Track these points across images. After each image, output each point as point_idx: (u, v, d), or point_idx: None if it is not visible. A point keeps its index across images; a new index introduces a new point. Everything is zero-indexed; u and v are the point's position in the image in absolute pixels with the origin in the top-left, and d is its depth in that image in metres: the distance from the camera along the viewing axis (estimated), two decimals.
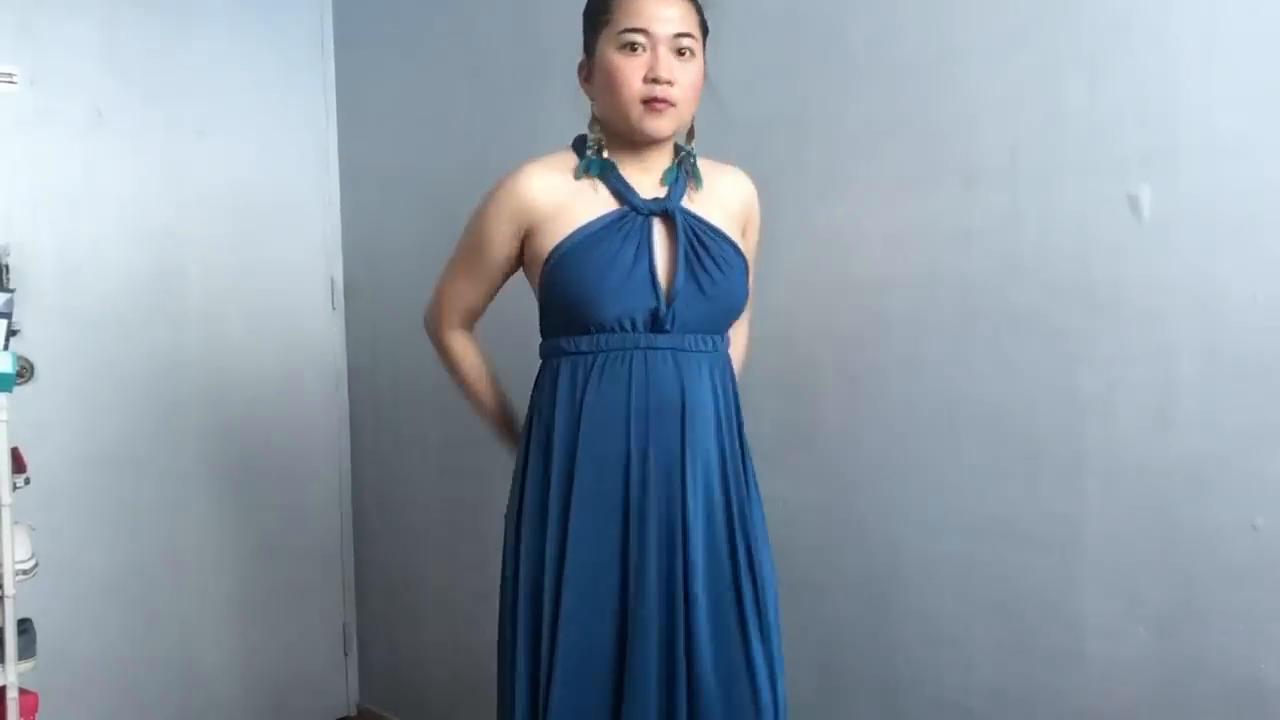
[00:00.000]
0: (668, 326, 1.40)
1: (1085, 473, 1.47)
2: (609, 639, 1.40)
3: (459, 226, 2.57)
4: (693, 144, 1.48)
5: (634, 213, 1.42)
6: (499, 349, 1.66)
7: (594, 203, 1.43)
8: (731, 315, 1.49)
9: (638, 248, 1.40)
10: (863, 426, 1.72)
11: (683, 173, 1.47)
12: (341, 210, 3.01)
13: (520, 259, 1.49)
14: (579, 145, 1.49)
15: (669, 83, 1.37)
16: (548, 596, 1.41)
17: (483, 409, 1.65)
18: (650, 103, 1.37)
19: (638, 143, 1.43)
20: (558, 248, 1.41)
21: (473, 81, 2.50)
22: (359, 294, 2.99)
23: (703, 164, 1.49)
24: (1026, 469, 1.53)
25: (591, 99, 1.46)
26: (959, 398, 1.61)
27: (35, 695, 1.94)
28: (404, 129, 2.75)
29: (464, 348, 1.62)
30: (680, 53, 1.38)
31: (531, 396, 1.52)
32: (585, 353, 1.42)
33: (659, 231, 1.43)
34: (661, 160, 1.47)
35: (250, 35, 2.82)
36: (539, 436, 1.46)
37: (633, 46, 1.37)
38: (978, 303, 1.58)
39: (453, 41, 2.57)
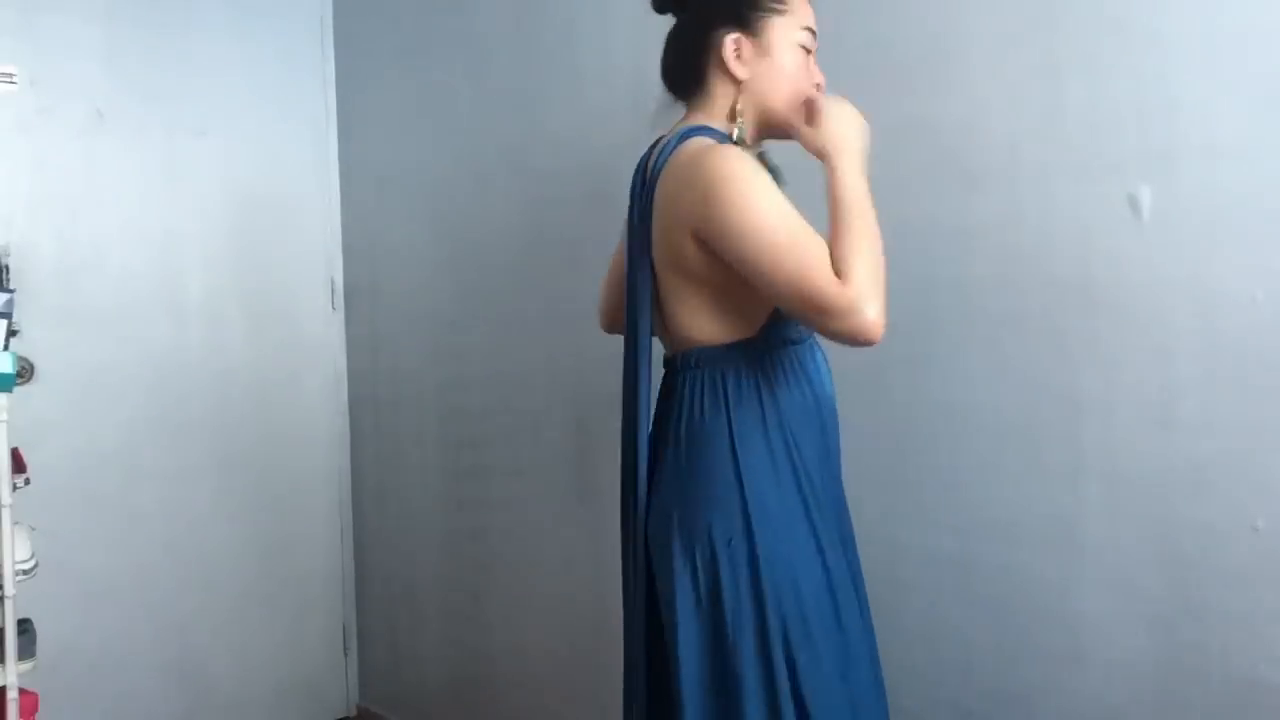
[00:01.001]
0: None
1: (1085, 473, 1.47)
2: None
3: (459, 227, 2.59)
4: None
5: None
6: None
7: None
8: None
9: None
10: (863, 426, 1.72)
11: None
12: (341, 211, 3.01)
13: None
14: (700, 131, 1.38)
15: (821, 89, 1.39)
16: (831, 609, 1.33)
17: None
18: (808, 104, 1.35)
19: (766, 135, 1.42)
20: None
21: (473, 82, 2.50)
22: (359, 295, 2.99)
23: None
24: (1026, 469, 1.53)
25: (741, 79, 1.37)
26: (959, 398, 1.61)
27: (35, 695, 1.94)
28: (404, 129, 2.75)
29: None
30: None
31: (755, 389, 1.35)
32: (799, 340, 1.39)
33: None
34: None
35: (250, 35, 2.82)
36: (775, 432, 1.34)
37: (805, 47, 1.38)
38: (978, 303, 1.58)
39: (453, 42, 2.57)
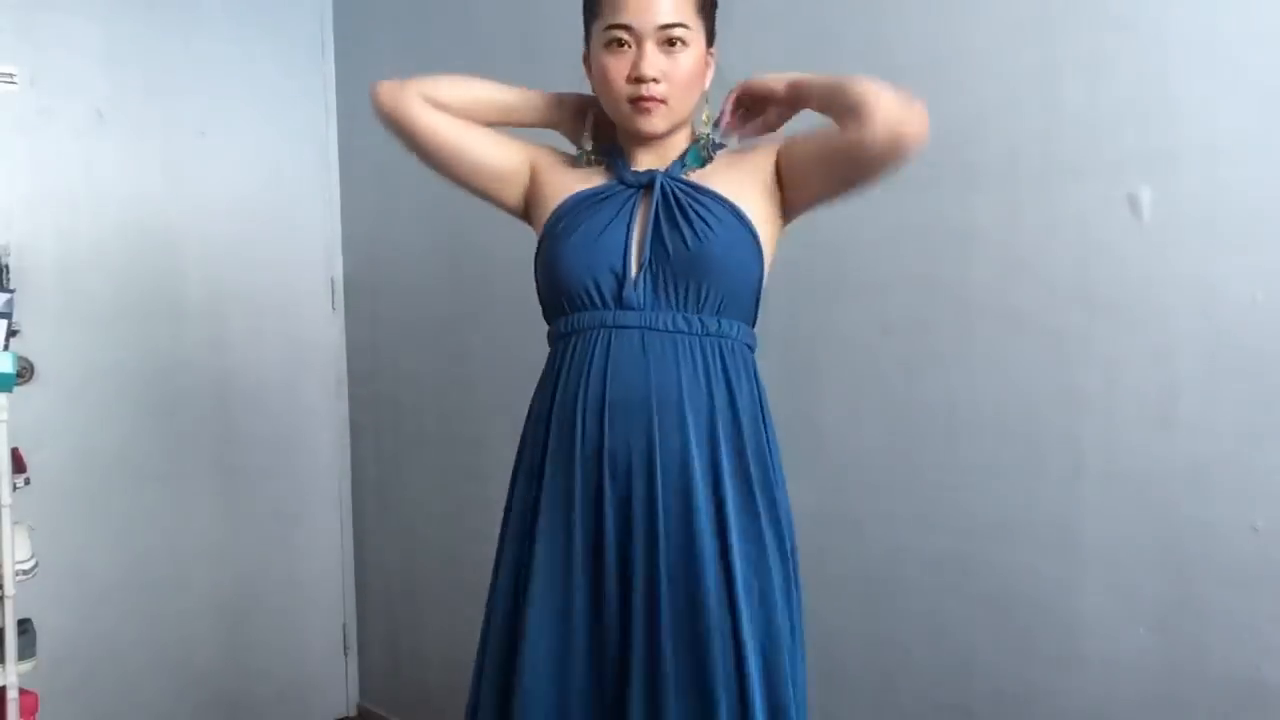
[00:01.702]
0: (634, 302, 1.27)
1: (1085, 473, 1.47)
2: (580, 665, 1.31)
3: (459, 227, 2.59)
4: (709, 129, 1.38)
5: (622, 186, 1.34)
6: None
7: (590, 184, 1.37)
8: (718, 286, 1.28)
9: (615, 216, 1.31)
10: (863, 426, 1.72)
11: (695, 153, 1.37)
12: (341, 210, 3.01)
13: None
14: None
15: (654, 80, 1.27)
16: (505, 606, 1.43)
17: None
18: (636, 102, 1.29)
19: (629, 138, 1.37)
20: (547, 222, 1.36)
21: None
22: (359, 294, 2.99)
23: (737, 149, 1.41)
24: (1026, 469, 1.53)
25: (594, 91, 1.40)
26: (959, 398, 1.61)
27: (35, 695, 1.94)
28: None
29: None
30: (671, 43, 1.28)
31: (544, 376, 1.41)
32: (564, 334, 1.32)
33: (645, 203, 1.32)
34: (678, 144, 1.37)
35: (250, 35, 2.82)
36: (523, 431, 1.39)
37: (619, 43, 1.28)
38: (978, 303, 1.58)
39: (453, 41, 2.57)
